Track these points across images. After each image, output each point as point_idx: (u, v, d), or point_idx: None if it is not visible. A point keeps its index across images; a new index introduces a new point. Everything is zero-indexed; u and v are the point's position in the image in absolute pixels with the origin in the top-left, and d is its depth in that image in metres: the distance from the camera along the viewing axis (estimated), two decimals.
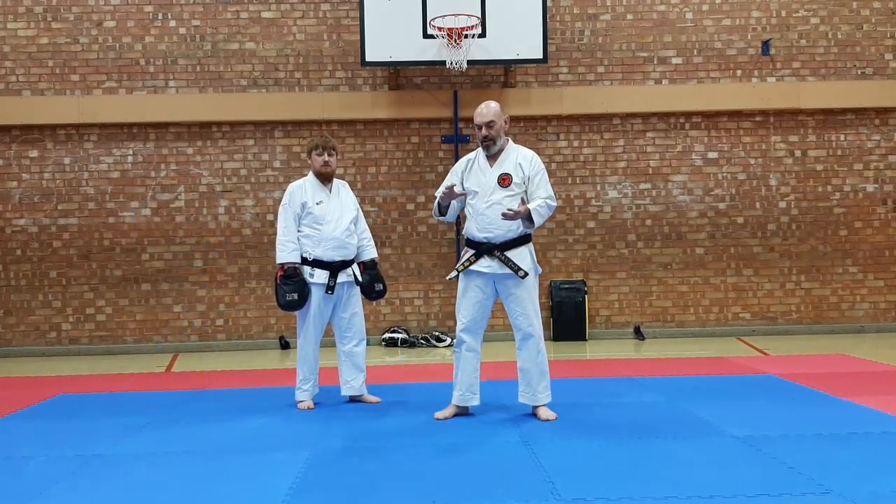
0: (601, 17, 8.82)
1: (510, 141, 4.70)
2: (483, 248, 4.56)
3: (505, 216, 4.40)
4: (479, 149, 4.70)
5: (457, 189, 4.56)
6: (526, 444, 4.04)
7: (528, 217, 4.46)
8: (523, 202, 4.48)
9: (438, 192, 4.73)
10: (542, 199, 4.53)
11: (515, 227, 4.54)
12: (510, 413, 4.77)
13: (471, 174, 4.66)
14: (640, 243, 8.88)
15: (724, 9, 8.84)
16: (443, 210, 4.72)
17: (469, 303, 4.63)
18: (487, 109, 4.59)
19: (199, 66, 8.68)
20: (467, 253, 4.65)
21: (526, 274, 4.54)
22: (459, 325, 4.67)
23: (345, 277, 5.12)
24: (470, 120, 8.56)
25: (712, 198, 8.89)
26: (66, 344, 8.63)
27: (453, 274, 4.69)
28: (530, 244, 4.65)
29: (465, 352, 4.66)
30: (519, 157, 4.62)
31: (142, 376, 6.92)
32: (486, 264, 4.56)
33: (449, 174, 4.81)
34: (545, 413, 4.63)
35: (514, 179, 4.55)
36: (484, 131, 4.57)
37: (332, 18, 8.73)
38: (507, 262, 4.52)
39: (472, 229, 4.61)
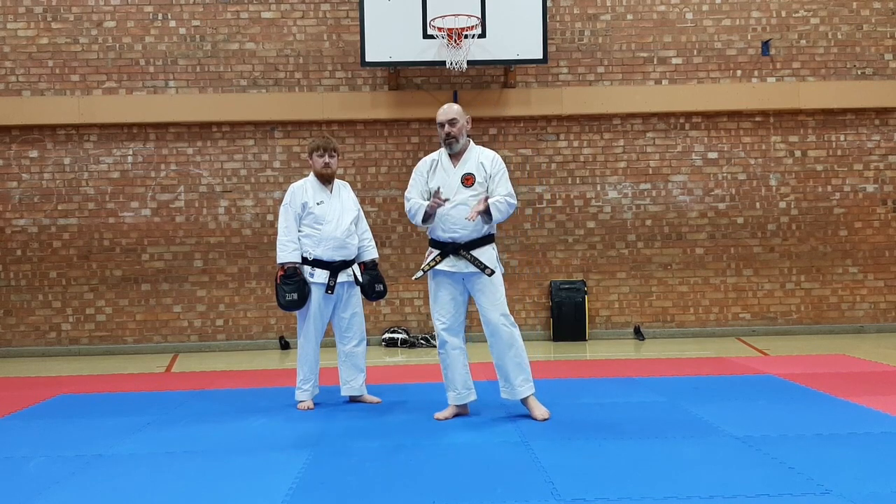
0: (601, 18, 8.82)
1: (472, 142, 4.77)
2: (448, 248, 4.60)
3: (469, 219, 4.45)
4: (442, 149, 4.74)
5: (442, 196, 4.52)
6: (526, 444, 4.04)
7: (486, 211, 4.50)
8: (485, 199, 4.50)
9: (412, 200, 4.68)
10: (502, 196, 4.57)
11: (479, 227, 4.58)
12: (510, 413, 4.76)
13: (435, 174, 4.68)
14: (640, 243, 8.88)
15: (724, 9, 8.84)
16: (428, 218, 4.65)
17: (443, 302, 4.66)
18: (450, 108, 4.67)
19: (199, 66, 8.68)
20: (432, 253, 4.68)
21: (493, 272, 4.58)
22: (440, 326, 4.68)
23: (345, 277, 5.13)
24: (470, 120, 8.64)
25: (712, 198, 8.89)
26: (65, 344, 8.63)
27: (419, 274, 4.71)
28: (493, 244, 4.70)
29: (451, 350, 4.67)
30: (481, 157, 4.68)
31: (142, 376, 6.92)
32: (451, 263, 4.60)
33: (413, 174, 4.77)
34: (540, 412, 4.59)
35: (477, 178, 4.60)
36: (447, 128, 4.62)
37: (332, 18, 8.74)
38: (474, 261, 4.56)
39: (437, 230, 4.64)
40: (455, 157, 4.69)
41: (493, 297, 4.60)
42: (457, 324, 4.69)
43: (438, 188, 4.56)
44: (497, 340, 4.62)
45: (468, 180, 4.59)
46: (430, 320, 8.70)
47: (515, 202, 4.65)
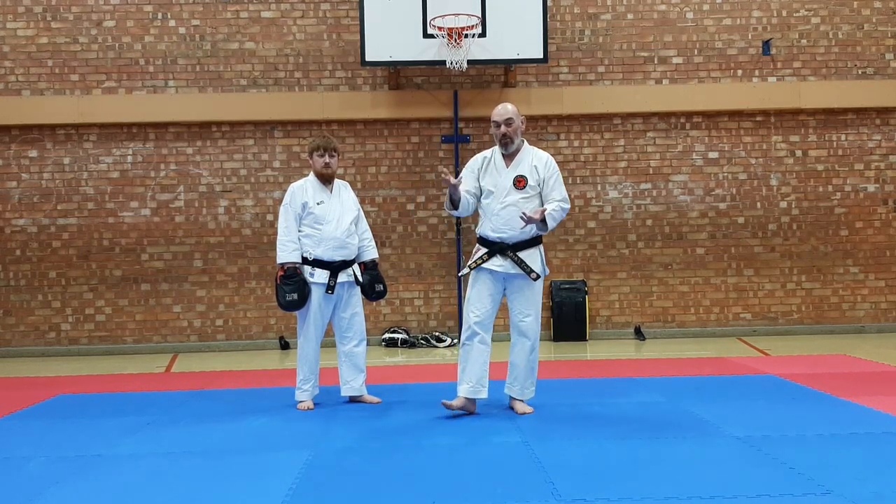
0: (601, 17, 8.81)
1: (525, 142, 4.77)
2: (496, 248, 4.63)
3: (523, 218, 4.45)
4: (495, 147, 4.76)
5: (453, 180, 4.54)
6: (526, 444, 4.03)
7: (542, 220, 4.53)
8: (542, 211, 4.52)
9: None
10: (557, 203, 4.60)
11: (529, 229, 4.60)
12: (510, 413, 4.76)
13: (487, 173, 4.71)
14: (641, 243, 8.87)
15: (725, 8, 8.83)
16: (455, 203, 4.68)
17: (480, 296, 4.68)
18: (505, 108, 4.69)
19: (199, 65, 8.67)
20: (479, 251, 4.71)
21: (538, 276, 4.63)
22: (472, 319, 4.67)
23: (345, 277, 5.12)
24: (470, 120, 8.66)
25: (713, 198, 8.88)
26: (65, 344, 8.62)
27: (465, 270, 4.77)
28: (541, 245, 4.73)
29: (478, 343, 4.67)
30: (534, 160, 4.69)
31: (141, 376, 6.92)
32: (498, 263, 4.63)
33: (464, 171, 4.82)
34: (522, 407, 4.74)
35: (530, 182, 4.62)
36: (503, 128, 4.64)
37: (332, 18, 8.73)
38: (521, 264, 4.60)
39: (487, 229, 4.67)
40: (509, 157, 4.70)
41: (531, 302, 4.67)
42: (489, 319, 4.71)
43: (444, 171, 4.57)
44: (522, 343, 4.71)
45: (520, 182, 4.61)
46: (430, 320, 8.75)
47: (568, 206, 4.68)
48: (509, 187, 4.61)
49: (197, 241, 8.70)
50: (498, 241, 4.63)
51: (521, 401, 4.78)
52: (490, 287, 4.68)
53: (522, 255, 4.61)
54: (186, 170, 8.72)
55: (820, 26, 8.87)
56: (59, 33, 8.60)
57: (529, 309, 4.67)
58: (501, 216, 4.59)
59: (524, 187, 4.60)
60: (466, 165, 4.84)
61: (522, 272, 4.60)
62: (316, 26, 8.72)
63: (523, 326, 4.68)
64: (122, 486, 3.55)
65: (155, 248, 8.68)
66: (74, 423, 4.87)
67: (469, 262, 4.75)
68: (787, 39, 8.87)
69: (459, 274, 4.98)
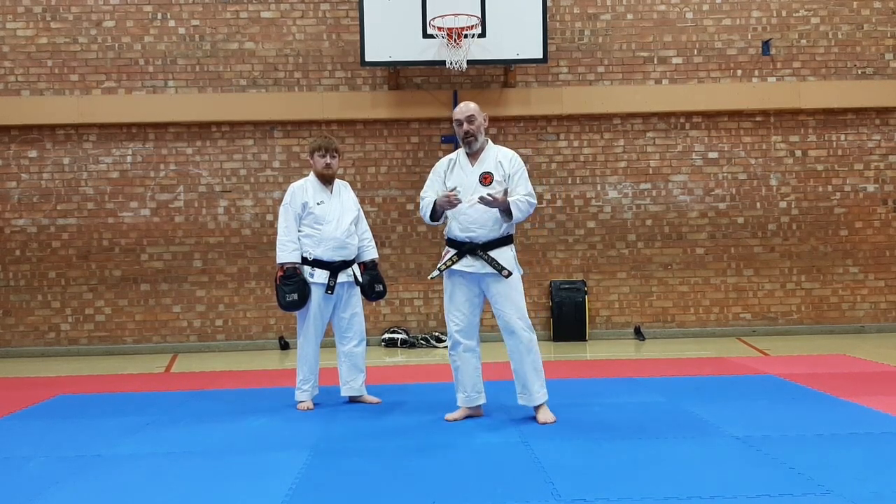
0: (601, 17, 8.82)
1: (489, 141, 4.73)
2: (466, 248, 4.53)
3: (483, 200, 4.35)
4: (460, 150, 4.71)
5: (454, 195, 4.45)
6: (526, 444, 4.03)
7: (506, 211, 4.45)
8: (505, 193, 4.45)
9: (426, 197, 4.65)
10: (523, 196, 4.52)
11: (498, 227, 4.53)
12: (510, 413, 4.75)
13: (452, 174, 4.64)
14: (641, 243, 8.87)
15: (725, 8, 8.84)
16: (438, 216, 4.61)
17: (458, 303, 4.59)
18: (467, 106, 4.63)
19: (199, 65, 8.67)
20: (448, 253, 4.61)
21: (510, 273, 4.49)
22: (454, 328, 4.60)
23: (345, 277, 5.12)
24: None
25: (713, 198, 8.89)
26: (65, 344, 8.62)
27: (435, 273, 4.65)
28: (512, 244, 4.64)
29: (463, 353, 4.62)
30: (499, 156, 4.62)
31: (141, 376, 6.92)
32: (468, 264, 4.52)
33: (430, 174, 4.75)
34: (544, 416, 4.55)
35: (496, 177, 4.55)
36: (465, 126, 4.57)
37: (332, 18, 8.73)
38: (492, 262, 4.48)
39: (455, 229, 4.58)
40: (473, 156, 4.64)
41: (512, 300, 4.51)
42: (471, 326, 4.62)
43: (455, 187, 4.50)
44: (516, 346, 4.54)
45: (486, 179, 4.54)
46: (430, 321, 8.75)
47: (535, 202, 4.60)
48: (475, 185, 4.53)
49: (197, 241, 8.70)
50: (467, 241, 4.52)
51: (541, 406, 4.58)
52: (466, 291, 4.57)
53: (493, 254, 4.49)
54: (186, 170, 8.72)
55: (819, 26, 8.87)
56: (59, 33, 8.60)
57: (511, 308, 4.51)
58: (469, 214, 4.49)
59: (490, 183, 4.51)
60: (433, 170, 4.75)
61: (495, 271, 4.48)
62: (316, 26, 8.72)
63: (510, 325, 4.53)
64: (122, 486, 3.55)
65: (155, 248, 8.68)
66: (74, 423, 4.87)
67: (439, 265, 4.62)
68: (787, 39, 8.87)
69: (430, 277, 4.83)
